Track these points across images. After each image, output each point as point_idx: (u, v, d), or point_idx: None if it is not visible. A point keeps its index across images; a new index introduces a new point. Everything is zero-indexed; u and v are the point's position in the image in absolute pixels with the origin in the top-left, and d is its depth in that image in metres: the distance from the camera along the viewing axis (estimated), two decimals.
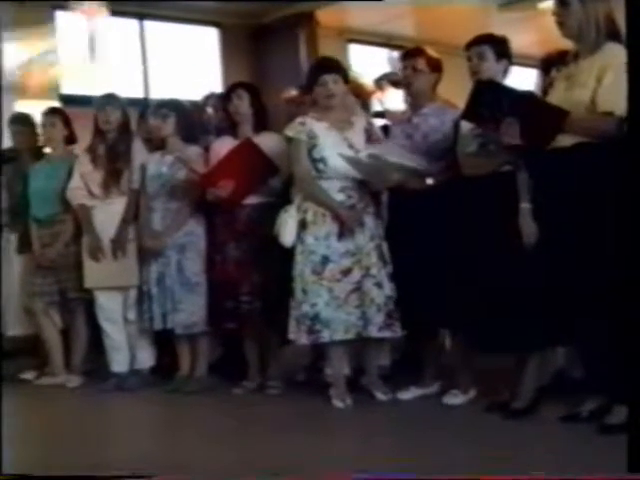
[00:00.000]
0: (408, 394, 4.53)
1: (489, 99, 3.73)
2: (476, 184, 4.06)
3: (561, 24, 3.79)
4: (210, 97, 5.71)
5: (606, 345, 3.69)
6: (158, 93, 8.63)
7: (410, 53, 4.59)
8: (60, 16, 8.49)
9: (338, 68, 4.62)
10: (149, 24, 9.36)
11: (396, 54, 9.85)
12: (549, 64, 4.61)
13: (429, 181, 4.35)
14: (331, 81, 4.50)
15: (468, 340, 4.30)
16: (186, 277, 5.00)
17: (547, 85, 4.53)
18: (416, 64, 4.49)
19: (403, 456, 3.59)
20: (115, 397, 5.08)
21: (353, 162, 4.40)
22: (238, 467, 3.53)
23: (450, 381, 4.47)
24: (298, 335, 4.50)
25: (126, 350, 5.31)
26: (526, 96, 3.88)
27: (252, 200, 4.87)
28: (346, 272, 4.44)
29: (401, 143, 4.47)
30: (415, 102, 4.55)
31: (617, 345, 3.65)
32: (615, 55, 3.63)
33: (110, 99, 5.36)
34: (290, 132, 4.57)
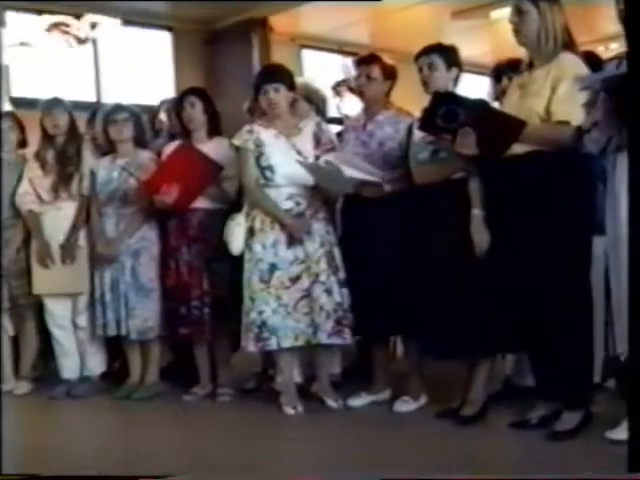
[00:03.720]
0: (359, 401, 4.53)
1: (446, 110, 3.75)
2: (428, 192, 4.08)
3: (517, 32, 3.83)
4: (164, 102, 5.68)
5: (556, 352, 3.73)
6: (110, 97, 8.55)
7: (364, 60, 4.60)
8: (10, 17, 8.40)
9: (280, 76, 4.59)
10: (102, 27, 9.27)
11: (349, 61, 9.94)
12: (500, 72, 4.66)
13: (384, 188, 4.36)
14: (272, 90, 4.49)
15: (419, 347, 4.31)
16: (140, 283, 4.97)
17: (499, 93, 4.59)
18: (370, 71, 4.50)
19: (354, 463, 3.59)
20: (65, 404, 5.02)
21: (309, 168, 4.40)
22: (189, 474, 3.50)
23: (401, 387, 4.49)
24: (247, 343, 4.49)
25: (76, 356, 5.25)
26: (483, 107, 3.91)
27: (204, 205, 4.85)
28: (295, 279, 4.44)
29: (356, 151, 4.48)
30: (369, 109, 4.56)
31: (567, 352, 3.70)
32: (570, 65, 3.68)
33: (56, 103, 5.29)
34: (237, 141, 4.56)
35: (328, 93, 6.02)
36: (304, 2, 8.65)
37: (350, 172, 4.28)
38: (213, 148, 4.88)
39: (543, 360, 3.86)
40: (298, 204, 4.48)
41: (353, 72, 4.72)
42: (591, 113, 3.48)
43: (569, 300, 3.68)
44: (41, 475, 3.37)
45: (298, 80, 4.85)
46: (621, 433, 3.54)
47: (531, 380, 4.10)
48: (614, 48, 7.82)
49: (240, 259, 4.55)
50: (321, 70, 9.97)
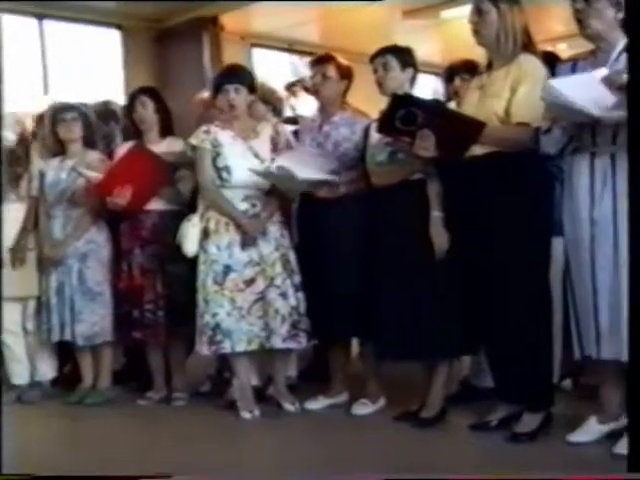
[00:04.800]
0: (316, 404, 4.49)
1: (404, 112, 3.73)
2: (386, 193, 4.06)
3: (477, 32, 3.82)
4: (107, 103, 5.58)
5: (516, 353, 3.72)
6: (58, 96, 8.42)
7: (320, 60, 4.57)
8: None
9: (241, 77, 4.55)
10: (49, 24, 9.14)
11: (298, 59, 9.93)
12: (453, 73, 4.67)
13: (340, 190, 4.34)
14: (232, 90, 4.45)
15: (376, 349, 4.29)
16: (87, 287, 4.88)
17: (451, 94, 4.60)
18: (326, 70, 4.47)
19: (312, 466, 3.55)
20: (15, 410, 4.90)
21: (262, 175, 4.35)
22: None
23: (359, 390, 4.46)
24: (200, 346, 4.44)
25: (26, 362, 5.13)
26: (442, 109, 3.90)
27: (157, 206, 4.79)
28: (249, 282, 4.40)
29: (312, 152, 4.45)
30: (325, 109, 4.53)
31: (527, 353, 3.69)
32: (530, 66, 3.68)
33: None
34: (194, 140, 4.50)
35: (282, 93, 5.99)
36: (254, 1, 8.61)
37: (304, 173, 4.25)
38: (166, 148, 4.81)
39: (502, 362, 3.86)
40: (254, 206, 4.43)
41: (301, 70, 4.68)
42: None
43: (528, 301, 3.68)
44: (41, 475, 3.33)
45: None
46: (581, 435, 3.57)
47: (489, 381, 4.10)
48: (562, 49, 7.90)
49: (194, 261, 4.49)
50: (271, 69, 9.95)
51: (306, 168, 4.25)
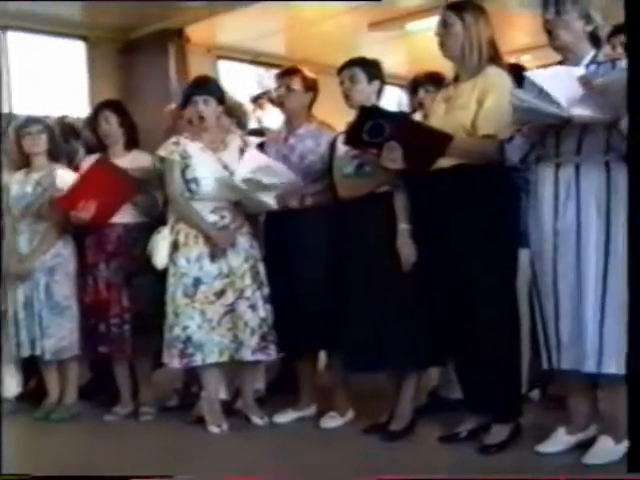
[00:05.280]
0: (285, 417, 4.47)
1: (372, 125, 3.72)
2: (354, 205, 4.06)
3: (443, 45, 3.83)
4: (65, 119, 5.55)
5: (484, 365, 3.73)
6: (22, 108, 8.35)
7: (285, 72, 4.58)
8: None
9: (211, 89, 4.54)
10: (12, 36, 9.07)
11: (263, 71, 9.93)
12: (417, 85, 4.68)
13: (307, 202, 4.34)
14: (201, 102, 4.44)
15: (344, 361, 4.27)
16: (55, 301, 4.83)
17: (416, 105, 4.61)
18: (291, 83, 4.47)
19: None
20: None
21: (229, 187, 4.34)
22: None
23: (327, 403, 4.45)
24: (170, 359, 4.41)
25: None
26: (409, 121, 3.90)
27: (123, 220, 4.76)
28: (219, 294, 4.38)
29: None
30: (290, 122, 4.53)
31: (495, 364, 3.70)
32: (496, 78, 3.70)
33: None
34: (163, 152, 4.48)
35: (248, 105, 5.98)
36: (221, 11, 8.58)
37: (270, 179, 4.24)
38: (131, 161, 4.79)
39: (471, 373, 3.87)
40: (223, 217, 4.42)
41: (267, 83, 4.68)
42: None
43: (496, 313, 3.69)
44: (41, 475, 3.32)
45: None
46: (550, 446, 3.57)
47: (458, 393, 4.11)
48: (527, 60, 7.95)
49: (161, 274, 4.46)
50: (237, 81, 9.93)
51: (270, 176, 4.25)
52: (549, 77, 3.26)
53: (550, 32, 3.43)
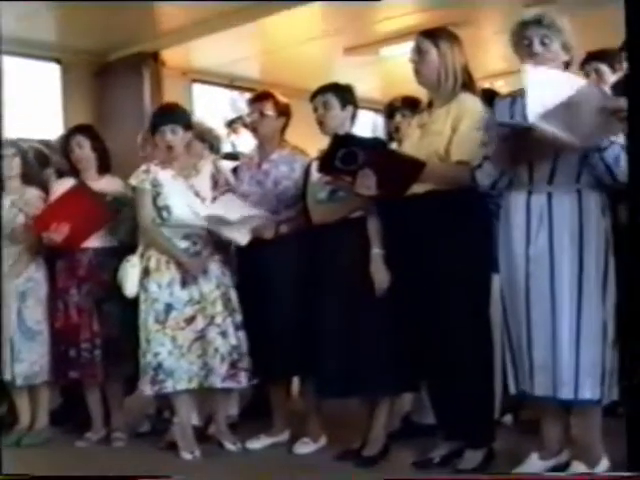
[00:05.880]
0: (258, 443, 4.45)
1: (345, 152, 3.73)
2: (327, 231, 4.06)
3: (418, 72, 3.85)
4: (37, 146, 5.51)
5: (457, 390, 3.72)
6: None
7: (257, 98, 4.58)
8: None
9: (177, 117, 4.54)
10: None
11: (238, 95, 9.93)
12: (393, 109, 4.69)
13: (281, 229, 4.33)
14: (169, 132, 4.44)
15: (317, 386, 4.25)
16: (27, 326, 4.78)
17: (392, 130, 4.62)
18: (263, 109, 4.47)
19: None
20: None
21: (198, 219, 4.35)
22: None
23: (301, 428, 4.43)
24: (142, 385, 4.38)
25: None
26: (383, 148, 3.92)
27: (94, 244, 4.73)
28: (190, 320, 4.36)
29: (251, 190, 4.45)
30: (263, 147, 4.53)
31: (468, 390, 3.70)
32: (470, 105, 3.72)
33: None
34: (134, 181, 4.48)
35: (222, 129, 5.98)
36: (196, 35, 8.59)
37: (235, 217, 4.25)
38: (104, 186, 4.77)
39: (444, 398, 3.86)
40: (194, 244, 4.41)
41: (241, 106, 4.69)
42: (485, 146, 3.51)
43: (468, 338, 3.69)
44: (41, 475, 3.30)
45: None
46: (524, 471, 3.56)
47: (431, 418, 4.10)
48: (500, 85, 8.01)
49: (132, 299, 4.44)
50: (212, 104, 9.93)
51: (236, 214, 4.26)
52: (542, 83, 3.24)
53: (537, 62, 3.43)
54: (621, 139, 3.22)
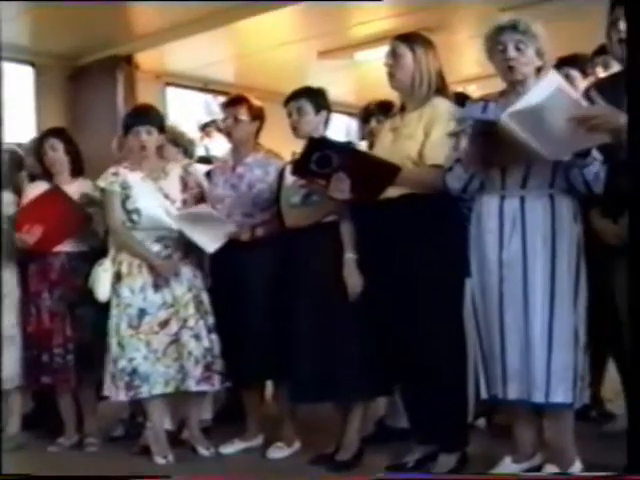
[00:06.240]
0: (231, 448, 4.43)
1: (320, 155, 3.73)
2: (300, 235, 4.06)
3: (392, 76, 3.85)
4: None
5: (431, 394, 3.73)
6: None
7: (231, 102, 4.58)
8: None
9: (153, 118, 4.53)
10: None
11: (212, 98, 9.91)
12: (369, 114, 4.70)
13: (257, 232, 4.33)
14: (144, 132, 4.42)
15: (291, 390, 4.24)
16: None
17: (367, 134, 4.63)
18: (237, 113, 4.47)
19: None
20: None
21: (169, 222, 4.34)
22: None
23: (274, 433, 4.42)
24: (116, 391, 4.35)
25: None
26: (357, 152, 3.93)
27: (66, 248, 4.70)
28: (164, 324, 4.35)
29: (225, 193, 4.44)
30: (238, 151, 4.52)
31: (441, 394, 3.70)
32: (443, 109, 3.73)
33: None
34: (103, 183, 4.46)
35: (195, 132, 5.97)
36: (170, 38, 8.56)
37: (198, 232, 4.26)
38: (77, 189, 4.75)
39: (417, 403, 3.87)
40: (166, 247, 4.40)
41: (216, 110, 4.68)
42: (456, 150, 3.52)
43: (442, 342, 3.70)
44: (41, 475, 3.28)
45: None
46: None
47: (405, 422, 4.11)
48: (472, 90, 8.04)
49: (105, 304, 4.42)
50: (185, 108, 9.91)
51: (201, 227, 4.27)
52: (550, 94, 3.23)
53: (511, 68, 3.44)
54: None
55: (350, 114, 9.27)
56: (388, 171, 3.64)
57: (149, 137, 4.43)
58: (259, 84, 8.67)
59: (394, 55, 3.84)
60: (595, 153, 3.25)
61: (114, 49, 8.85)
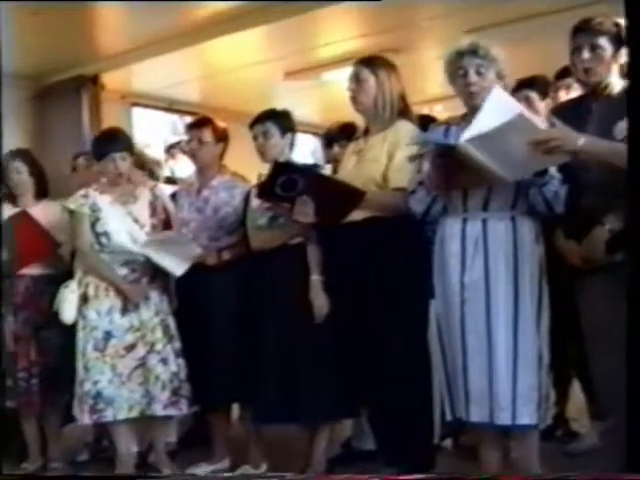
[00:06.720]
0: (198, 471, 4.40)
1: (285, 179, 3.75)
2: (267, 257, 4.06)
3: (355, 99, 3.88)
4: None
5: (396, 416, 3.73)
6: None
7: (196, 124, 4.59)
8: None
9: (126, 143, 4.53)
10: None
11: (178, 118, 9.88)
12: (331, 139, 4.72)
13: (223, 256, 4.33)
14: (119, 159, 4.40)
15: (255, 413, 4.23)
16: None
17: (331, 157, 4.64)
18: (202, 135, 4.47)
19: None
20: None
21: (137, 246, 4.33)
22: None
23: (241, 455, 4.40)
24: (80, 414, 4.32)
25: None
26: (322, 176, 3.94)
27: (31, 271, 4.67)
28: (130, 348, 4.32)
29: (191, 217, 4.44)
30: (203, 173, 4.52)
31: (407, 415, 3.71)
32: (406, 132, 3.74)
33: None
34: (72, 205, 4.43)
35: (161, 153, 5.95)
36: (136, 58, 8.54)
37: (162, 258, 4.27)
38: (42, 211, 4.74)
39: (383, 424, 3.87)
40: (133, 271, 4.38)
41: (182, 130, 4.68)
42: (419, 173, 3.54)
43: (407, 363, 3.70)
44: (41, 475, 3.11)
45: None
46: None
47: (371, 443, 4.11)
48: (438, 110, 8.09)
49: (70, 327, 4.38)
50: (151, 128, 9.87)
51: (168, 258, 4.27)
52: (498, 109, 3.25)
53: (472, 94, 3.46)
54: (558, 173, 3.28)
55: (317, 134, 9.27)
56: (352, 195, 3.66)
57: (124, 163, 4.41)
58: (225, 105, 8.66)
59: (357, 79, 3.87)
60: (553, 171, 3.28)
61: (79, 69, 8.79)
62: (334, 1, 6.78)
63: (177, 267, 4.31)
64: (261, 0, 6.85)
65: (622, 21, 3.33)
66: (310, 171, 3.89)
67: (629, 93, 3.04)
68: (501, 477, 3.49)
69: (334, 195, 3.72)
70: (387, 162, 3.73)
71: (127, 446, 4.43)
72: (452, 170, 3.33)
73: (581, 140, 3.07)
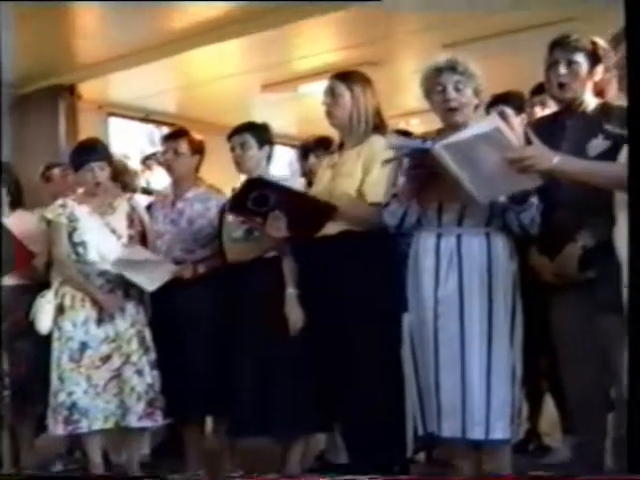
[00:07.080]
0: None
1: (257, 195, 3.76)
2: (242, 270, 4.06)
3: (330, 114, 3.90)
4: None
5: (369, 429, 3.74)
6: None
7: (172, 135, 4.60)
8: None
9: (104, 153, 4.53)
10: None
11: (155, 129, 9.87)
12: (307, 150, 4.73)
13: (199, 269, 4.33)
14: (98, 168, 4.40)
15: (229, 426, 4.23)
16: None
17: (307, 170, 4.66)
18: (177, 146, 4.48)
19: None
20: None
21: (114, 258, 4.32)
22: None
23: (215, 468, 4.39)
24: (54, 425, 4.30)
25: None
26: (294, 192, 3.95)
27: (7, 282, 4.61)
28: (105, 359, 4.31)
29: (165, 229, 4.44)
30: (178, 185, 4.53)
31: (380, 429, 3.71)
32: (381, 147, 3.75)
33: None
34: (50, 214, 4.42)
35: (137, 164, 5.94)
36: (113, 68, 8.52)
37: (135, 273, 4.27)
38: (17, 221, 4.70)
39: (356, 438, 3.87)
40: (109, 281, 4.37)
41: (158, 141, 4.68)
42: (394, 186, 3.55)
43: (380, 377, 3.71)
44: (40, 475, 3.09)
45: None
46: None
47: (345, 457, 4.11)
48: (415, 124, 8.13)
49: (43, 338, 4.37)
50: (128, 138, 9.85)
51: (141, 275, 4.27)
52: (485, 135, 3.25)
53: (454, 109, 3.47)
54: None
55: (294, 146, 9.29)
56: (324, 210, 3.69)
57: (102, 173, 4.41)
58: (202, 116, 8.68)
59: (332, 94, 3.89)
60: (533, 199, 3.30)
61: (56, 78, 8.77)
62: (334, 1, 6.80)
63: (149, 284, 4.31)
64: (260, 0, 6.85)
65: (599, 40, 3.38)
66: (282, 187, 3.89)
67: (629, 93, 3.04)
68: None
69: (306, 210, 3.75)
70: (362, 177, 3.75)
71: (100, 459, 4.41)
72: (426, 181, 3.33)
73: (556, 159, 3.06)
